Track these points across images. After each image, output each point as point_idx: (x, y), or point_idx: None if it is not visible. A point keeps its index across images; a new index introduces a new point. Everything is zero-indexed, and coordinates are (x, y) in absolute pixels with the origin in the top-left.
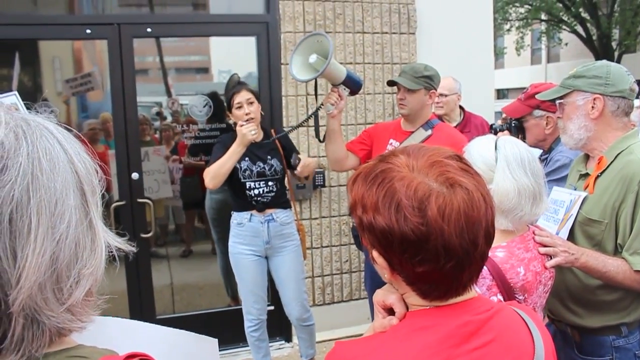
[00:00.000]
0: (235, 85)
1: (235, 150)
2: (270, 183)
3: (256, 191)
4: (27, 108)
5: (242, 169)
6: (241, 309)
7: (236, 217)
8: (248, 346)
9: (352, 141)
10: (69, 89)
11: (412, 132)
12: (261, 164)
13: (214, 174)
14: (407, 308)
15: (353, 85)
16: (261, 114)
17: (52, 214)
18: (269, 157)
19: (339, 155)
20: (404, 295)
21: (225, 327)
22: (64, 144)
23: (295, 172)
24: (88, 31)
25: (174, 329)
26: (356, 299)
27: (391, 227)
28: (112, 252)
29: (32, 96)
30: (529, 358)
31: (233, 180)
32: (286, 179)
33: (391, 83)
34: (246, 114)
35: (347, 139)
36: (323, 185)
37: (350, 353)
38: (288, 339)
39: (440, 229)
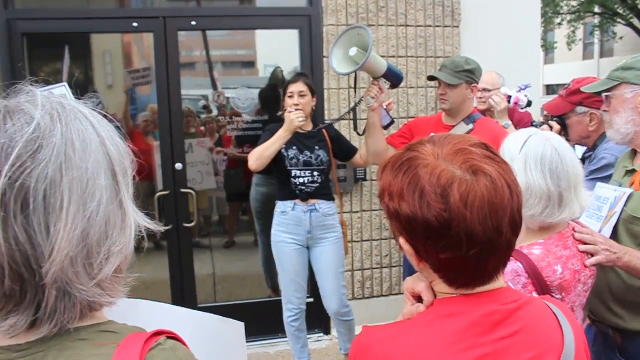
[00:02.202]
0: (296, 75)
1: (281, 135)
2: (315, 173)
3: (301, 180)
4: (77, 99)
5: (290, 157)
6: (281, 300)
7: (280, 206)
8: (286, 337)
9: (392, 135)
10: (130, 80)
11: (454, 126)
12: (308, 154)
13: (259, 155)
14: (436, 296)
15: (394, 78)
16: (313, 108)
17: (84, 192)
18: (316, 147)
19: (379, 148)
20: (432, 283)
21: (265, 317)
22: (97, 127)
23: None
24: (135, 24)
25: (201, 312)
26: (395, 294)
27: (415, 213)
28: (141, 232)
29: (82, 89)
30: (557, 352)
31: (279, 168)
32: (332, 172)
33: (431, 78)
34: (294, 104)
35: (389, 133)
36: (364, 179)
37: (376, 337)
38: (327, 332)
39: (463, 215)
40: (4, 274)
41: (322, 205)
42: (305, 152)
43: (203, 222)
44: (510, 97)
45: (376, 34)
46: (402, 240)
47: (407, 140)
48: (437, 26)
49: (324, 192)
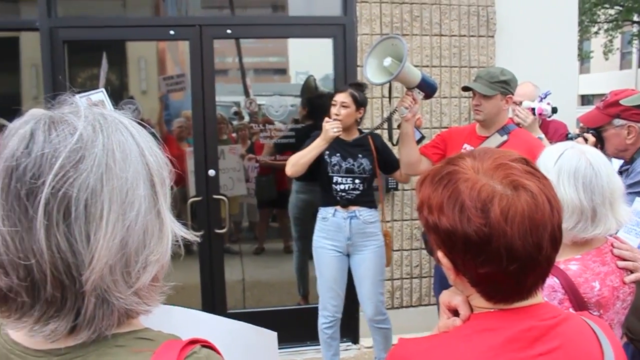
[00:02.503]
0: (347, 85)
1: (317, 144)
2: (357, 181)
3: (342, 186)
4: (114, 105)
5: (332, 163)
6: (311, 308)
7: (322, 212)
8: (316, 345)
9: (425, 145)
10: (165, 86)
11: (487, 137)
12: (351, 161)
13: (295, 162)
14: (472, 311)
15: (428, 88)
16: (358, 119)
17: (123, 202)
18: (360, 155)
19: (412, 159)
20: (469, 297)
21: (294, 325)
22: (136, 137)
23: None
24: (171, 32)
25: (235, 320)
26: (425, 305)
27: (455, 227)
28: (177, 241)
29: (118, 94)
30: None
31: (322, 173)
32: (377, 180)
33: (466, 89)
34: (335, 114)
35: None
36: (395, 189)
37: (413, 349)
38: (355, 341)
39: (503, 230)
40: (46, 280)
41: (362, 212)
42: (348, 160)
43: (233, 228)
44: (533, 109)
45: (410, 43)
46: (440, 254)
47: (441, 150)
48: (472, 36)
49: (365, 199)
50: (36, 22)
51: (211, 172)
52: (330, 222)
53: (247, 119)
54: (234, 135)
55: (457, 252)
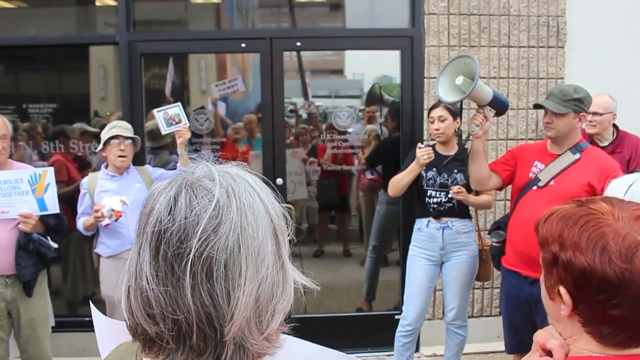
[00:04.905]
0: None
1: (412, 169)
2: (450, 195)
3: (435, 199)
4: (187, 115)
5: (427, 177)
6: (373, 315)
7: (417, 223)
8: (377, 352)
9: (495, 161)
10: (217, 91)
11: (559, 155)
12: (446, 176)
13: (394, 185)
14: (567, 355)
15: (499, 106)
16: (456, 130)
17: (256, 259)
18: (455, 170)
19: (482, 175)
20: (571, 338)
21: (355, 330)
22: (261, 195)
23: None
24: (243, 45)
25: (323, 347)
26: (487, 316)
27: (593, 267)
28: (297, 287)
29: (180, 94)
30: None
31: (418, 186)
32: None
33: (537, 106)
34: (435, 129)
35: (487, 155)
36: None
37: None
38: (416, 349)
39: None
40: (192, 331)
41: (455, 222)
42: (443, 175)
43: (294, 231)
44: None
45: (478, 55)
46: (562, 290)
47: (511, 167)
48: (541, 47)
49: (458, 210)
50: (115, 36)
51: (279, 181)
52: (424, 233)
53: (304, 117)
54: (297, 139)
55: (588, 291)
